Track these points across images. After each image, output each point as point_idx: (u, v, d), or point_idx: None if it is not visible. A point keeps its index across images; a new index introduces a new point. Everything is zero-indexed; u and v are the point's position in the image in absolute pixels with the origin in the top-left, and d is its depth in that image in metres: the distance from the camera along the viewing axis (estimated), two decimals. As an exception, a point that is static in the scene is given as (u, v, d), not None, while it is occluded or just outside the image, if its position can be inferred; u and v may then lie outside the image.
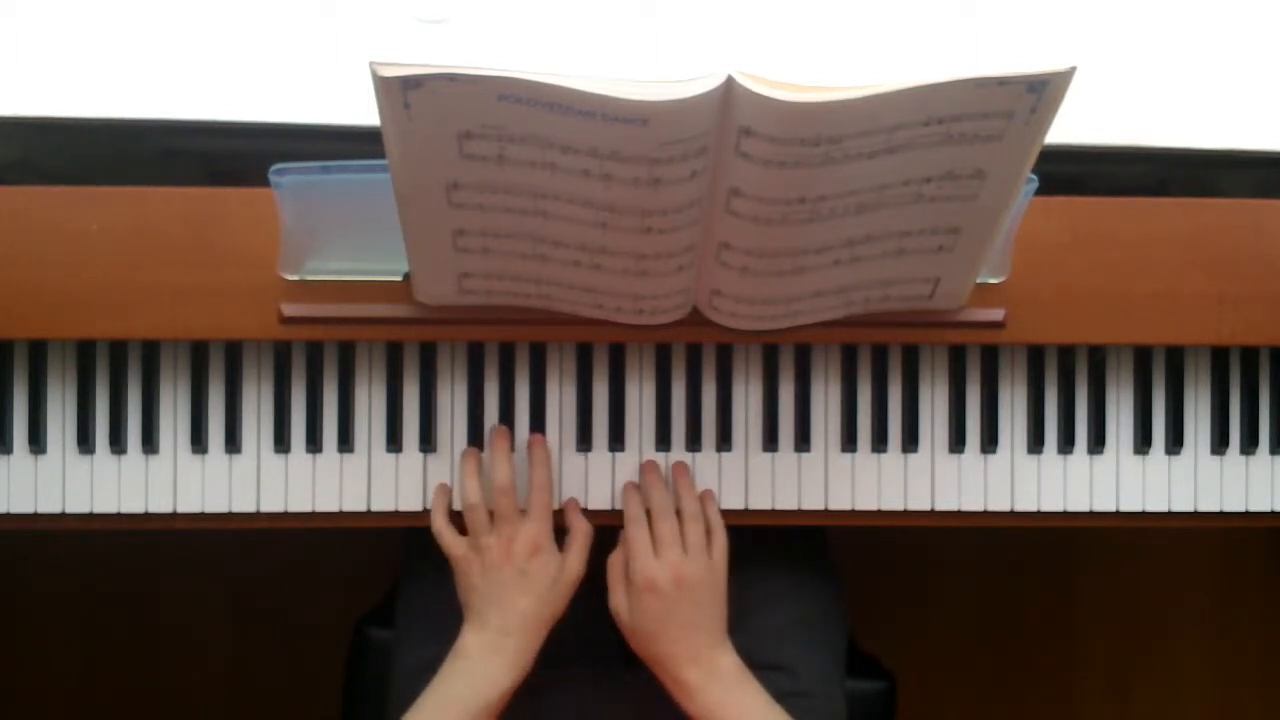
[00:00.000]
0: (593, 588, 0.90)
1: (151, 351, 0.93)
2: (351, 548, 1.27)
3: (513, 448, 0.91)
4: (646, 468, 0.93)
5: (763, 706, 0.86)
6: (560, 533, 0.91)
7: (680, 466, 0.93)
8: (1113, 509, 0.97)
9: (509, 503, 0.88)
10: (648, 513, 0.90)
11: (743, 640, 0.89)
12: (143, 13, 0.96)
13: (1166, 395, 0.97)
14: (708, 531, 0.90)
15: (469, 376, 0.94)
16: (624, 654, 1.04)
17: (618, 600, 0.89)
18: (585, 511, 0.93)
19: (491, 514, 0.88)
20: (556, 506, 0.92)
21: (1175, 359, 0.97)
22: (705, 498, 0.92)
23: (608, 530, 0.92)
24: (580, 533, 0.90)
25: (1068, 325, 0.91)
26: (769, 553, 1.00)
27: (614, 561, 0.90)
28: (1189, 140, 1.00)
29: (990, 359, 0.96)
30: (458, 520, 0.90)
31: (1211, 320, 0.92)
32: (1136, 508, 0.97)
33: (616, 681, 0.99)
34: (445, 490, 0.92)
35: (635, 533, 0.89)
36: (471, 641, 0.86)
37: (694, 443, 0.94)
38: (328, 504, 0.93)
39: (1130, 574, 1.55)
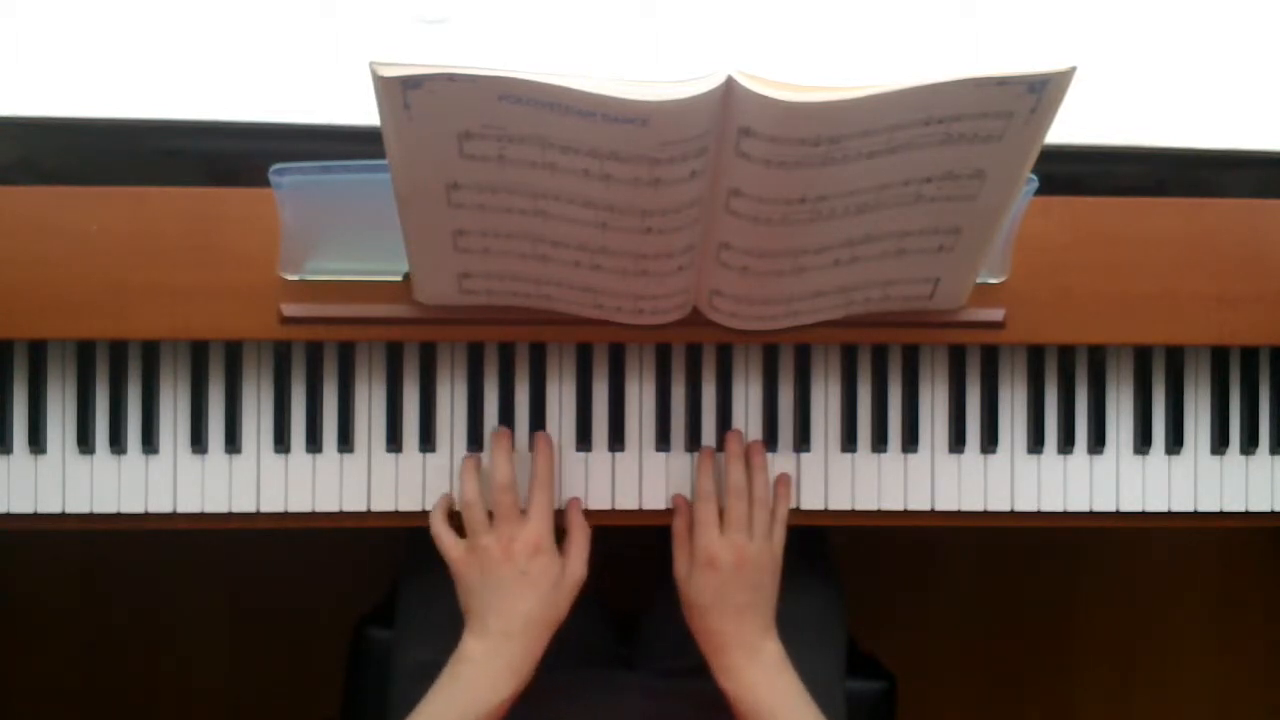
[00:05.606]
0: (590, 590, 0.89)
1: (151, 351, 0.93)
2: (351, 548, 1.27)
3: (513, 449, 0.91)
4: (732, 439, 0.92)
5: (797, 696, 0.87)
6: (559, 534, 0.90)
7: (757, 446, 0.92)
8: (1113, 509, 0.97)
9: (509, 500, 0.87)
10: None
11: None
12: (143, 13, 0.96)
13: (1166, 395, 0.97)
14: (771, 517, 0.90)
15: (469, 376, 0.94)
16: (624, 656, 1.04)
17: (681, 567, 0.89)
18: (584, 512, 0.92)
19: (490, 515, 0.87)
20: (557, 507, 0.91)
21: (1175, 359, 0.97)
22: (780, 485, 0.92)
23: (614, 531, 0.92)
24: (580, 534, 0.89)
25: (1068, 325, 0.91)
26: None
27: (679, 529, 0.91)
28: (1189, 140, 1.00)
29: (990, 359, 0.96)
30: (456, 524, 0.89)
31: (1211, 320, 0.92)
32: (1136, 508, 0.97)
33: (617, 684, 0.99)
34: (448, 496, 0.92)
35: (705, 508, 0.89)
36: (473, 647, 0.85)
37: (694, 443, 0.94)
38: (328, 504, 0.93)
39: (1130, 574, 1.54)
